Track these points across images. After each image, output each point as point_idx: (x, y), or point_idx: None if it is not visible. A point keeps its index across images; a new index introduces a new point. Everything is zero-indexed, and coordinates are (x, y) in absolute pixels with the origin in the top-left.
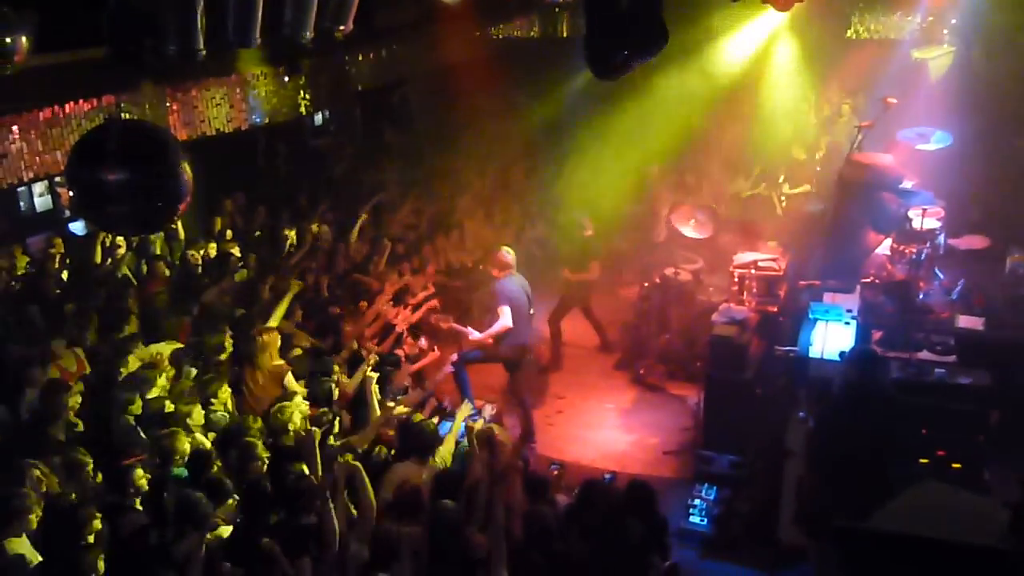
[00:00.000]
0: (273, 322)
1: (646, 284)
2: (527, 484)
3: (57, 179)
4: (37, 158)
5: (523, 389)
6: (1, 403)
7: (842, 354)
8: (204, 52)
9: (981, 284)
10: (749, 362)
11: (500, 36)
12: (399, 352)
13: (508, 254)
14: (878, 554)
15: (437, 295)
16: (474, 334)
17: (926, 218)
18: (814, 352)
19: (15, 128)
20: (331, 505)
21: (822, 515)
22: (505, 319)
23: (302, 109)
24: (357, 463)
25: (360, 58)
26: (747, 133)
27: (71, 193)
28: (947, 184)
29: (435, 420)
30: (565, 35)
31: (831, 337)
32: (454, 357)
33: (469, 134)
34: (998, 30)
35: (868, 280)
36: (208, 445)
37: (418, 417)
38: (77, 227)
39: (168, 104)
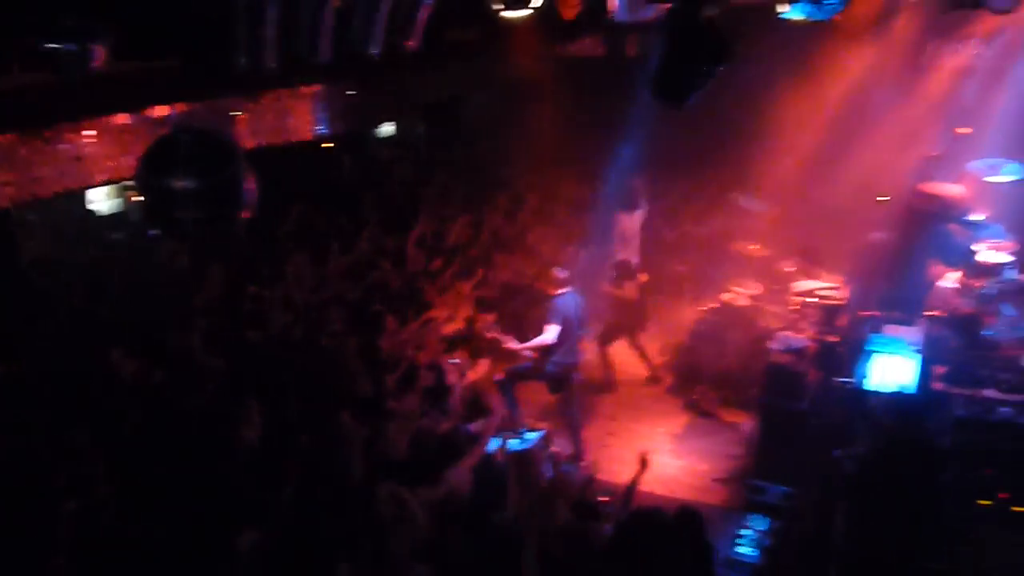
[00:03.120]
0: None
1: (704, 308)
2: (576, 508)
3: (128, 183)
4: (110, 162)
5: (572, 409)
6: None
7: (901, 388)
8: (274, 65)
9: None
10: (805, 392)
11: (566, 55)
12: (448, 363)
13: (562, 271)
14: None
15: (494, 312)
16: (514, 344)
17: (996, 252)
18: (872, 385)
19: (92, 132)
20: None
21: (868, 559)
22: (548, 335)
23: (368, 122)
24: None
25: (426, 73)
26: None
27: (141, 198)
28: (1019, 218)
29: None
30: (631, 56)
31: (891, 370)
32: (500, 374)
33: (531, 150)
34: None
35: (933, 313)
36: None
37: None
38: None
39: (237, 114)
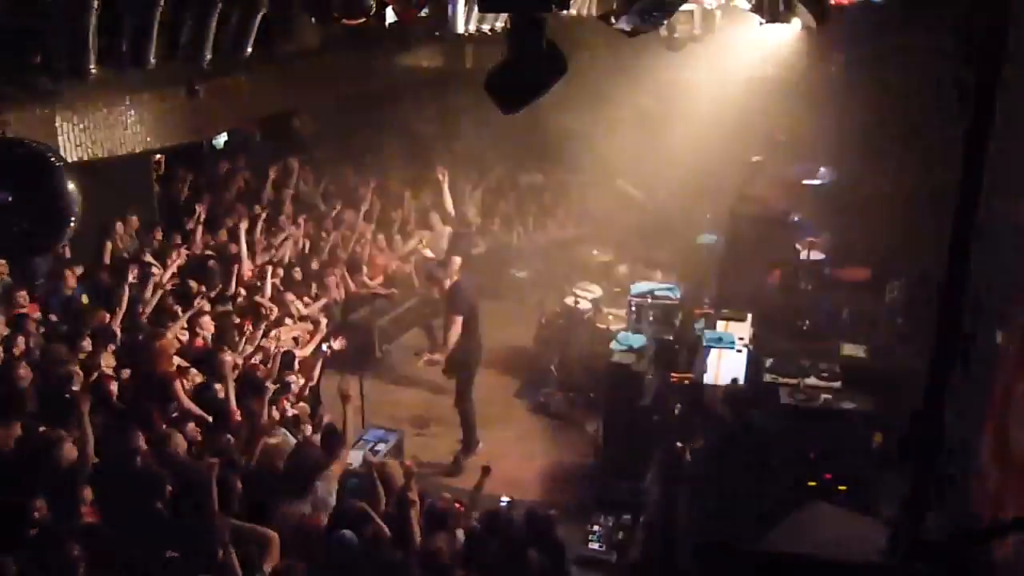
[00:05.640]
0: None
1: (546, 313)
2: (428, 516)
3: None
4: None
5: (468, 399)
6: None
7: (734, 381)
8: (96, 71)
9: (863, 313)
10: (646, 389)
11: (404, 65)
12: (291, 378)
13: (455, 257)
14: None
15: (340, 326)
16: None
17: (812, 250)
18: (708, 379)
19: None
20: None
21: (707, 544)
22: (456, 326)
23: (200, 132)
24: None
25: (260, 83)
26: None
27: None
28: (832, 217)
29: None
30: (469, 67)
31: (724, 364)
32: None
33: (369, 161)
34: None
35: (760, 309)
36: None
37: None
38: None
39: (58, 124)
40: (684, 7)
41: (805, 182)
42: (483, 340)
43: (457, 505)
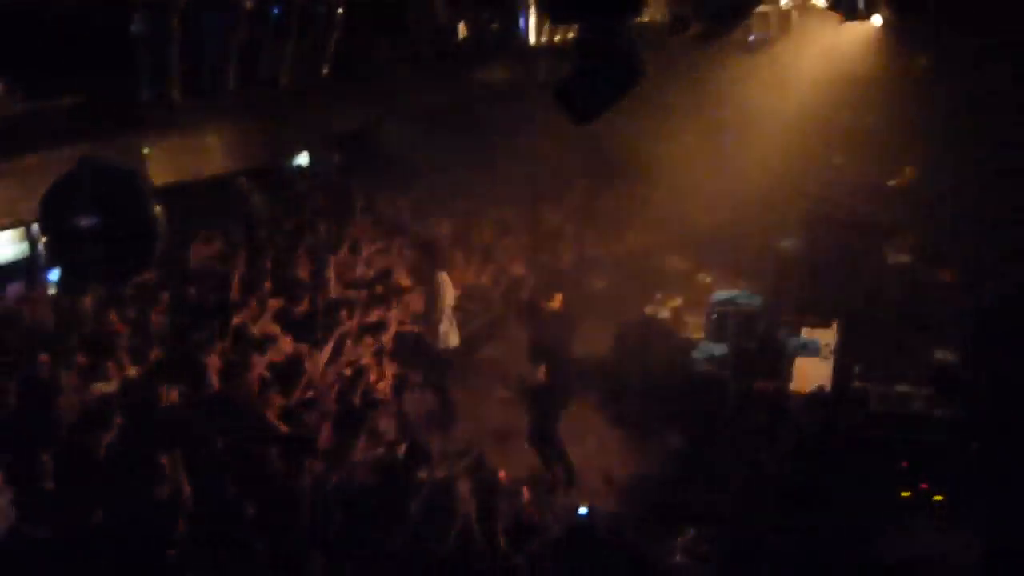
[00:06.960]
0: None
1: (627, 322)
2: (514, 527)
3: (35, 226)
4: (14, 205)
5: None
6: None
7: (819, 388)
8: (179, 97)
9: (953, 316)
10: (729, 399)
11: (478, 79)
12: (377, 395)
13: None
14: None
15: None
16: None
17: (898, 253)
18: (793, 387)
19: None
20: None
21: (798, 555)
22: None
23: (281, 153)
24: None
25: (337, 102)
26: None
27: (44, 240)
28: (919, 217)
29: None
30: (542, 79)
31: (810, 372)
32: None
33: (449, 178)
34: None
35: (845, 313)
36: None
37: None
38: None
39: (145, 150)
40: (759, 9)
41: (889, 183)
42: (570, 384)
43: (539, 517)
